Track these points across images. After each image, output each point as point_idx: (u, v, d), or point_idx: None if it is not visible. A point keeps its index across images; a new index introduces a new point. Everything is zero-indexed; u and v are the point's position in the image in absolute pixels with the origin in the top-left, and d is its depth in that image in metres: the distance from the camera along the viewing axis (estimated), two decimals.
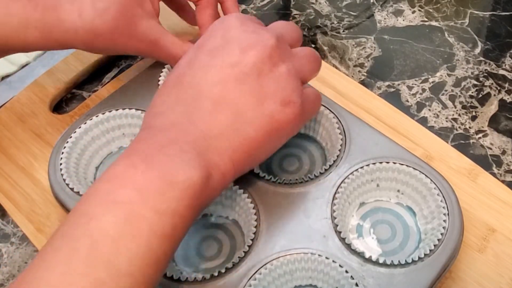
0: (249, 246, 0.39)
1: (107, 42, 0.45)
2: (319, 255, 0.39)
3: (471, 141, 0.51)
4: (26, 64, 0.57)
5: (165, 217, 0.31)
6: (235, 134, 0.35)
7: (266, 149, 0.38)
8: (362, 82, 0.55)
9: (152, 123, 0.36)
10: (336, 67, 0.57)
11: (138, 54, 0.48)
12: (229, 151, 0.35)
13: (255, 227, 0.40)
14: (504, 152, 0.50)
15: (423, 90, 0.55)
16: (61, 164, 0.44)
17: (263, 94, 0.36)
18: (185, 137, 0.34)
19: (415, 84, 0.55)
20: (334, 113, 0.46)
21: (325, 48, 0.59)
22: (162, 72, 0.50)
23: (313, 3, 0.63)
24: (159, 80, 0.49)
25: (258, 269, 0.38)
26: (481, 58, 0.57)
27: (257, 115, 0.36)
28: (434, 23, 0.61)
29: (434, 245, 0.39)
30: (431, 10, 0.62)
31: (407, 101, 0.54)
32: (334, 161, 0.43)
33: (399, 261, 0.38)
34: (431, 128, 0.51)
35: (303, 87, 0.39)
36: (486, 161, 0.49)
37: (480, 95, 0.54)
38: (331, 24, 0.61)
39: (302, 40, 0.42)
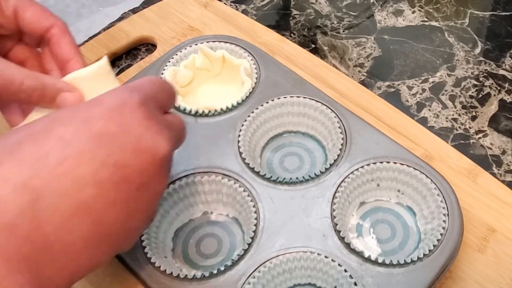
0: (249, 244, 0.39)
1: None
2: (318, 254, 0.39)
3: (471, 141, 0.51)
4: None
5: None
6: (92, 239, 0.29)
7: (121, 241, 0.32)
8: (362, 82, 0.55)
9: None
10: (336, 67, 0.57)
11: None
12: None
13: (255, 225, 0.40)
14: (504, 152, 0.50)
15: (423, 90, 0.55)
16: None
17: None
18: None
19: (415, 84, 0.55)
20: (335, 112, 0.46)
21: (325, 48, 0.59)
22: (164, 70, 0.50)
23: (313, 3, 0.63)
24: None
25: (258, 267, 0.38)
26: (481, 58, 0.57)
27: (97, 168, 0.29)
28: (434, 23, 0.61)
29: (434, 246, 0.39)
30: (431, 10, 0.62)
31: (407, 101, 0.54)
32: (334, 160, 0.43)
33: (398, 261, 0.38)
34: (431, 128, 0.51)
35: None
36: (486, 161, 0.49)
37: (480, 95, 0.54)
38: (331, 24, 0.61)
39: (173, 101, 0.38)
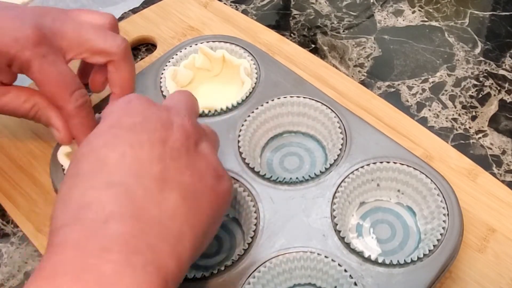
0: (249, 244, 0.39)
1: None
2: (318, 254, 0.39)
3: (471, 141, 0.51)
4: None
5: None
6: (191, 211, 0.31)
7: (215, 225, 0.34)
8: (362, 82, 0.55)
9: (81, 216, 0.28)
10: (336, 67, 0.57)
11: None
12: (187, 232, 0.30)
13: (255, 225, 0.40)
14: (504, 152, 0.50)
15: (423, 90, 0.55)
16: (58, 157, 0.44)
17: (198, 169, 0.33)
18: (131, 229, 0.28)
19: (415, 84, 0.55)
20: (335, 112, 0.46)
21: (325, 48, 0.59)
22: (164, 70, 0.50)
23: (313, 3, 0.63)
24: (160, 79, 0.49)
25: (258, 267, 0.38)
26: (481, 58, 0.57)
27: (203, 190, 0.32)
28: (434, 23, 0.61)
29: (434, 246, 0.39)
30: (431, 10, 0.62)
31: (407, 101, 0.54)
32: (334, 160, 0.43)
33: (398, 261, 0.38)
34: (431, 128, 0.51)
35: None
36: (486, 161, 0.49)
37: (480, 95, 0.54)
38: (331, 24, 0.61)
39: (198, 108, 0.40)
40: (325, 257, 0.38)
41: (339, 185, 0.42)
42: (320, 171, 0.43)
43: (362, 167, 0.43)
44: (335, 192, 0.42)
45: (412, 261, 0.38)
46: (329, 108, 0.46)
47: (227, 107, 0.47)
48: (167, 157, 0.32)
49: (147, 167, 0.31)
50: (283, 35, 0.58)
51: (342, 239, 0.39)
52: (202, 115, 0.47)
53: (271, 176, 0.42)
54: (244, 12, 0.62)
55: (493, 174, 0.48)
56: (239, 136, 0.45)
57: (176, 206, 0.30)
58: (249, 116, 0.46)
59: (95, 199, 0.29)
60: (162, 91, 0.48)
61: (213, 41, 0.51)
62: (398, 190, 0.43)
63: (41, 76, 0.40)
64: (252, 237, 0.39)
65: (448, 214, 0.40)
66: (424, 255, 0.38)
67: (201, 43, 0.51)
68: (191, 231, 0.31)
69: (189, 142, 0.33)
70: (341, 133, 0.44)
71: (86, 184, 0.30)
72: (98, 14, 0.45)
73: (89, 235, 0.27)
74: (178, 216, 0.30)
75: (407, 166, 0.42)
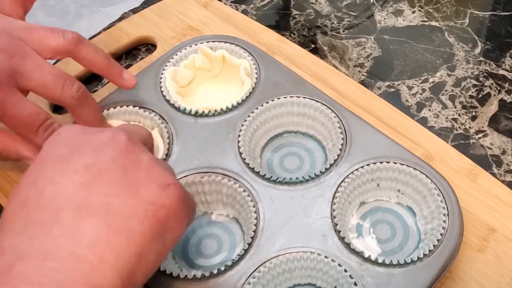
0: (249, 244, 0.39)
1: None
2: (318, 254, 0.39)
3: (471, 141, 0.51)
4: None
5: None
6: (115, 235, 0.30)
7: (156, 247, 0.32)
8: (362, 82, 0.55)
9: None
10: (336, 67, 0.57)
11: None
12: (111, 260, 0.29)
13: (255, 225, 0.40)
14: (504, 152, 0.50)
15: (423, 90, 0.55)
16: None
17: (134, 185, 0.32)
18: (40, 268, 0.28)
19: (415, 84, 0.55)
20: (335, 112, 0.46)
21: (325, 48, 0.59)
22: (164, 70, 0.50)
23: (313, 3, 0.63)
24: (160, 79, 0.49)
25: (258, 267, 0.38)
26: (481, 58, 0.57)
27: (137, 206, 0.31)
28: (434, 23, 0.61)
29: (434, 246, 0.39)
30: (431, 10, 0.62)
31: (407, 101, 0.54)
32: (334, 160, 0.43)
33: (398, 261, 0.38)
34: (431, 128, 0.51)
35: None
36: (486, 161, 0.49)
37: (480, 95, 0.54)
38: (331, 24, 0.61)
39: (152, 138, 0.40)
40: (325, 257, 0.38)
41: (339, 185, 0.42)
42: (320, 171, 0.43)
43: (362, 167, 0.43)
44: (335, 192, 0.42)
45: (412, 261, 0.38)
46: (329, 108, 0.46)
47: (227, 107, 0.47)
48: (92, 181, 0.31)
49: (68, 197, 0.30)
50: (283, 35, 0.58)
51: (342, 239, 0.39)
52: (202, 115, 0.47)
53: (271, 176, 0.42)
54: (244, 12, 0.62)
55: (493, 174, 0.48)
56: (239, 136, 0.45)
57: (95, 234, 0.29)
58: (249, 116, 0.46)
59: (10, 244, 0.29)
60: (162, 91, 0.48)
61: (213, 41, 0.51)
62: (398, 190, 0.43)
63: (5, 120, 0.41)
64: (252, 237, 0.39)
65: (448, 214, 0.40)
66: (424, 255, 0.38)
67: (201, 43, 0.51)
68: (117, 256, 0.29)
69: (125, 159, 0.32)
70: (341, 133, 0.44)
71: (5, 230, 0.30)
72: (58, 36, 0.44)
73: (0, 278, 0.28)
74: (97, 244, 0.29)
75: (407, 166, 0.42)
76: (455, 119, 0.52)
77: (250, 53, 0.50)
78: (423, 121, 0.52)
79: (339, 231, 0.40)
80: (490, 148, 0.50)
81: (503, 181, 0.47)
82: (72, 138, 0.33)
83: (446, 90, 0.55)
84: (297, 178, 0.42)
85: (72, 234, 0.29)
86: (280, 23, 0.62)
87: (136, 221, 0.31)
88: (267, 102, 0.47)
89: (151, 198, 0.32)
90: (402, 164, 0.42)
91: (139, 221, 0.31)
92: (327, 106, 0.46)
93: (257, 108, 0.46)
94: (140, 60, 0.57)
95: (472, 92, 0.54)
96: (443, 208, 0.40)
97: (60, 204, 0.30)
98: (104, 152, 0.32)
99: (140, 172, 0.32)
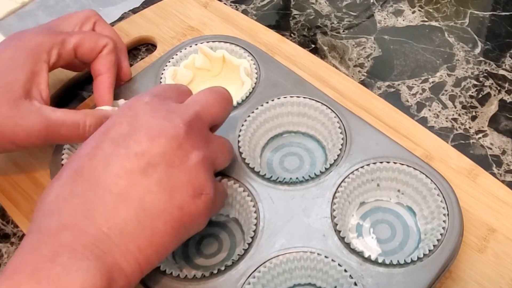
0: (249, 244, 0.39)
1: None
2: (318, 254, 0.39)
3: (471, 141, 0.51)
4: None
5: None
6: (141, 231, 0.32)
7: (174, 242, 0.35)
8: (362, 82, 0.55)
9: (42, 225, 0.32)
10: (336, 67, 0.57)
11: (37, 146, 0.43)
12: (134, 251, 0.32)
13: (255, 225, 0.40)
14: (504, 152, 0.50)
15: (423, 90, 0.55)
16: (62, 162, 0.44)
17: (172, 186, 0.33)
18: (81, 239, 0.31)
19: (415, 84, 0.55)
20: (335, 112, 0.46)
21: (325, 48, 0.59)
22: (164, 70, 0.50)
23: (313, 3, 0.63)
24: (160, 79, 0.49)
25: (258, 267, 0.38)
26: (481, 58, 0.57)
27: (166, 208, 0.33)
28: (434, 23, 0.61)
29: (434, 246, 0.39)
30: (431, 10, 0.62)
31: (407, 101, 0.54)
32: (334, 160, 0.43)
33: (398, 261, 0.38)
34: (431, 128, 0.51)
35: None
36: (486, 161, 0.49)
37: (480, 95, 0.54)
38: (331, 24, 0.61)
39: (225, 113, 0.40)
40: (325, 257, 0.38)
41: (339, 185, 0.42)
42: (320, 171, 0.43)
43: (362, 167, 0.43)
44: (335, 192, 0.42)
45: (412, 261, 0.38)
46: (329, 108, 0.46)
47: None
48: (138, 172, 0.33)
49: (113, 181, 0.33)
50: (283, 35, 0.58)
51: (342, 239, 0.39)
52: None
53: (271, 176, 0.42)
54: (244, 12, 0.62)
55: (493, 174, 0.48)
56: (239, 136, 0.45)
57: (125, 224, 0.32)
58: (249, 116, 0.46)
59: (56, 208, 0.32)
60: None
61: (213, 41, 0.51)
62: (398, 190, 0.43)
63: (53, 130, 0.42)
64: (252, 237, 0.39)
65: (448, 214, 0.40)
66: (424, 255, 0.38)
67: (201, 43, 0.51)
68: (139, 249, 0.32)
69: (175, 154, 0.34)
70: (341, 133, 0.44)
71: (56, 191, 0.33)
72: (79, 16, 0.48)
73: (45, 242, 0.31)
74: (126, 235, 0.32)
75: (407, 166, 0.42)
76: (455, 119, 0.52)
77: (250, 53, 0.50)
78: (423, 121, 0.52)
79: (339, 231, 0.40)
80: (490, 148, 0.50)
81: (503, 181, 0.47)
82: (138, 116, 0.35)
83: (446, 90, 0.55)
84: (297, 178, 0.42)
85: (109, 219, 0.32)
86: (280, 23, 0.62)
87: (162, 222, 0.33)
88: (267, 102, 0.47)
89: (181, 203, 0.34)
90: (402, 164, 0.42)
91: (164, 222, 0.33)
92: (327, 106, 0.46)
93: (257, 108, 0.46)
94: (140, 60, 0.57)
95: (472, 92, 0.54)
96: (443, 208, 0.40)
97: (105, 184, 0.32)
98: (158, 143, 0.33)
99: (182, 173, 0.34)
